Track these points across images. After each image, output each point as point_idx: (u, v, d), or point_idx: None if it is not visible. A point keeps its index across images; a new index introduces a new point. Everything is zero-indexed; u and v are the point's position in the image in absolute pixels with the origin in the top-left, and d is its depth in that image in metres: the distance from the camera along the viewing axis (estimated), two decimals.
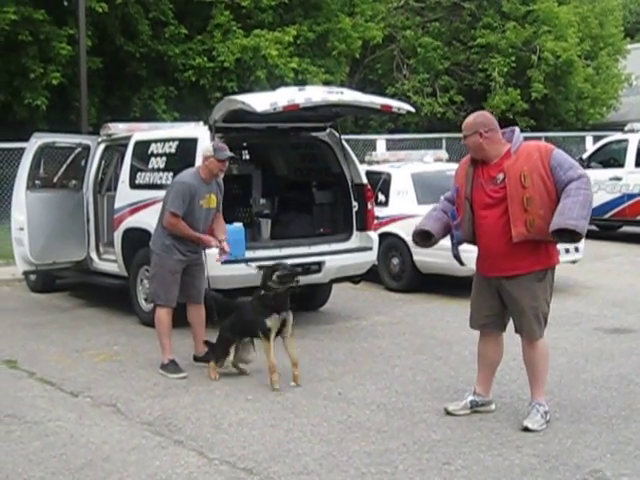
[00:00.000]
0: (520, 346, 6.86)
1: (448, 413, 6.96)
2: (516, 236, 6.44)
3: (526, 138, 6.84)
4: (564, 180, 6.33)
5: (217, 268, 9.51)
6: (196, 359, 8.71)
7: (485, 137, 6.61)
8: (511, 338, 7.05)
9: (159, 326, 8.56)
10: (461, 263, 7.08)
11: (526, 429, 6.49)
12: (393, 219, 12.57)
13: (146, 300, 10.59)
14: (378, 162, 14.44)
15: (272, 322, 7.82)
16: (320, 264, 10.19)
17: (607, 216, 18.78)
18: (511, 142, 6.62)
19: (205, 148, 8.59)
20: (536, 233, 6.39)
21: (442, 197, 7.23)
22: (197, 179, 8.45)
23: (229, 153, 8.50)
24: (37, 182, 12.08)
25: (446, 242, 7.25)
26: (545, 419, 6.61)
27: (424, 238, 7.10)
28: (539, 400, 6.69)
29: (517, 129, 6.78)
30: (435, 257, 11.51)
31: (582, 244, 12.85)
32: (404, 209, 12.64)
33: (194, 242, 8.46)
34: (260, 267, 8.61)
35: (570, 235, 6.27)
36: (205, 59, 21.70)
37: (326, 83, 21.32)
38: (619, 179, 18.41)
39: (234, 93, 18.09)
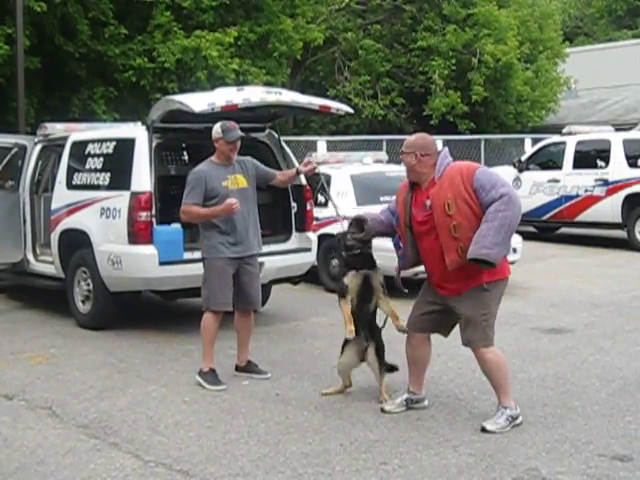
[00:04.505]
0: (459, 348, 6.90)
1: (385, 412, 6.99)
2: (450, 264, 6.45)
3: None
4: (487, 202, 6.31)
5: (155, 269, 9.52)
6: (238, 369, 8.37)
7: (419, 160, 6.66)
8: (450, 339, 7.09)
9: (204, 332, 8.06)
10: (403, 291, 7.13)
11: (483, 429, 6.49)
12: (332, 220, 12.55)
13: (83, 302, 10.51)
14: (318, 163, 14.40)
15: (349, 279, 7.51)
16: (260, 265, 10.15)
17: (545, 218, 19.05)
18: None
19: (214, 130, 8.12)
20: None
21: (387, 206, 7.26)
22: (210, 165, 8.14)
23: (239, 133, 8.15)
24: None
25: (382, 243, 7.33)
26: (510, 422, 6.57)
27: (358, 226, 7.26)
28: (504, 403, 6.66)
29: (445, 150, 6.77)
30: None
31: (520, 245, 13.02)
32: (343, 210, 12.62)
33: (216, 216, 7.94)
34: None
35: (486, 262, 6.28)
36: (145, 60, 21.50)
37: (267, 84, 21.21)
38: (557, 181, 18.64)
39: (174, 94, 17.98)
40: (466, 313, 6.59)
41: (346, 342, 7.56)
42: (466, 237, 6.31)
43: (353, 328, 7.35)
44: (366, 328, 7.52)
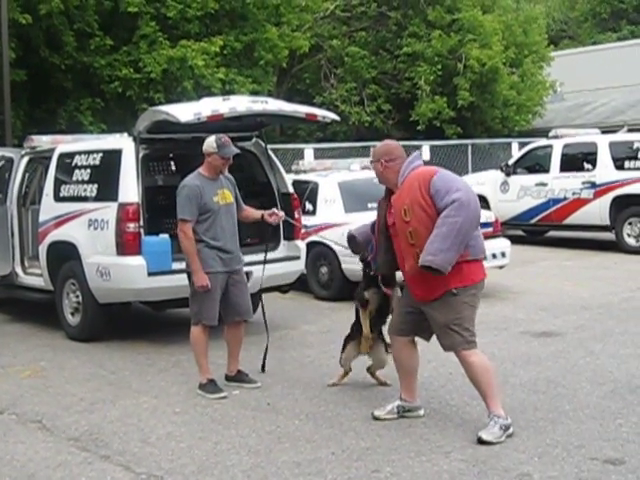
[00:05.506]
0: (450, 353, 6.89)
1: (375, 418, 6.99)
2: (409, 270, 6.51)
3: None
4: (441, 208, 6.28)
5: (144, 280, 9.50)
6: (228, 379, 8.33)
7: (385, 166, 6.75)
8: (437, 344, 7.08)
9: (195, 346, 8.05)
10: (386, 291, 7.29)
11: (479, 440, 6.40)
12: (321, 228, 12.56)
13: (72, 314, 10.48)
14: (305, 171, 14.43)
15: (370, 295, 7.76)
16: (248, 274, 10.12)
17: (533, 221, 19.09)
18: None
19: (207, 144, 7.96)
20: None
21: None
22: (200, 179, 7.99)
23: (235, 150, 8.06)
24: None
25: None
26: (504, 432, 6.47)
27: (351, 244, 7.66)
28: (495, 412, 6.56)
29: (413, 155, 6.77)
30: None
31: (509, 249, 13.03)
32: (332, 218, 12.66)
33: (191, 269, 7.90)
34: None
35: (434, 269, 6.25)
36: (131, 70, 21.51)
37: (253, 93, 21.24)
38: (544, 184, 18.67)
39: (161, 104, 17.98)
40: (439, 319, 6.58)
41: (349, 338, 8.10)
42: (423, 243, 6.30)
43: (369, 346, 7.97)
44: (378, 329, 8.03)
